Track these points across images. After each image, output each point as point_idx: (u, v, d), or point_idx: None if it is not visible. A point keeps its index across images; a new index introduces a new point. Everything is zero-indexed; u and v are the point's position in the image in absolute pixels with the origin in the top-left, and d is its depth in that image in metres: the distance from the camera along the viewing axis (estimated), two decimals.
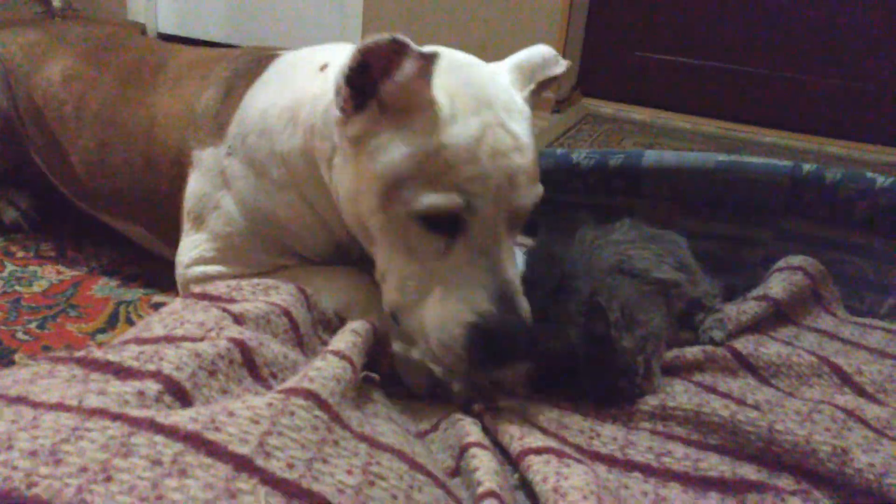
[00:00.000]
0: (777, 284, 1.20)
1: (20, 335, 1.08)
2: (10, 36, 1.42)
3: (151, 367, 0.65)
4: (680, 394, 0.96)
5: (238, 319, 0.80)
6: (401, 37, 0.79)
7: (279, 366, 0.74)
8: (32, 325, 1.10)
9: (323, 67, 0.99)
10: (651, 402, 0.93)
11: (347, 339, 0.78)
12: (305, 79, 1.00)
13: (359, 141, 0.87)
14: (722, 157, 1.27)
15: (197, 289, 0.90)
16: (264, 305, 0.85)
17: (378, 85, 0.84)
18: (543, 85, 1.00)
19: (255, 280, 0.93)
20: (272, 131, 1.00)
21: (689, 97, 3.05)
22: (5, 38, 1.41)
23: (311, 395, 0.62)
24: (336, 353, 0.73)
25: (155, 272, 1.27)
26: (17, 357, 1.02)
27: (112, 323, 1.14)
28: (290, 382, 0.65)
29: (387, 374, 0.93)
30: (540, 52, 1.00)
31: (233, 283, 0.91)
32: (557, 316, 1.00)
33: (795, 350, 1.06)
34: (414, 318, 0.87)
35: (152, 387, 0.62)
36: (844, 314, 1.24)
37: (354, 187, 0.89)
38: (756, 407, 0.95)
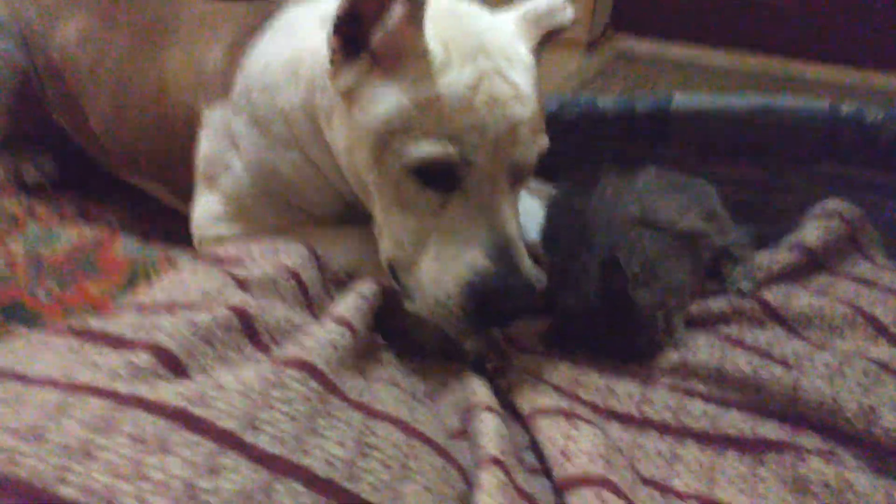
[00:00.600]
0: (811, 232, 1.14)
1: (42, 298, 1.09)
2: None
3: (145, 336, 0.64)
4: (703, 349, 0.92)
5: (243, 284, 0.79)
6: None
7: (282, 331, 0.73)
8: (53, 286, 1.11)
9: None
10: (672, 357, 0.91)
11: (350, 302, 0.77)
12: (307, 31, 0.96)
13: (351, 94, 0.84)
14: (755, 100, 1.20)
15: (209, 251, 0.90)
16: (271, 269, 0.83)
17: (368, 34, 0.81)
18: (551, 34, 0.95)
19: (266, 241, 0.92)
20: (274, 86, 0.98)
21: (728, 30, 2.92)
22: None
23: (305, 366, 0.61)
24: (336, 319, 0.71)
25: (175, 228, 1.27)
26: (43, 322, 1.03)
27: (133, 282, 1.14)
28: (286, 351, 0.64)
29: (399, 333, 0.92)
30: (547, 1, 0.95)
31: (243, 245, 0.90)
32: (576, 271, 0.97)
33: (828, 300, 1.01)
34: (411, 275, 0.85)
35: (145, 358, 0.61)
36: (884, 260, 1.18)
37: (349, 143, 0.86)
38: (783, 361, 0.91)
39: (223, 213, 1.06)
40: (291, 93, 0.96)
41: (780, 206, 1.25)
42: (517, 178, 0.86)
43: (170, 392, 0.55)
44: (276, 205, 1.04)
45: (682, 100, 1.24)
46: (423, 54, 0.80)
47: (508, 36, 0.89)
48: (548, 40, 0.96)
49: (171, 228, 1.28)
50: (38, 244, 1.23)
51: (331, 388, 0.62)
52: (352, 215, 1.04)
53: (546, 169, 1.35)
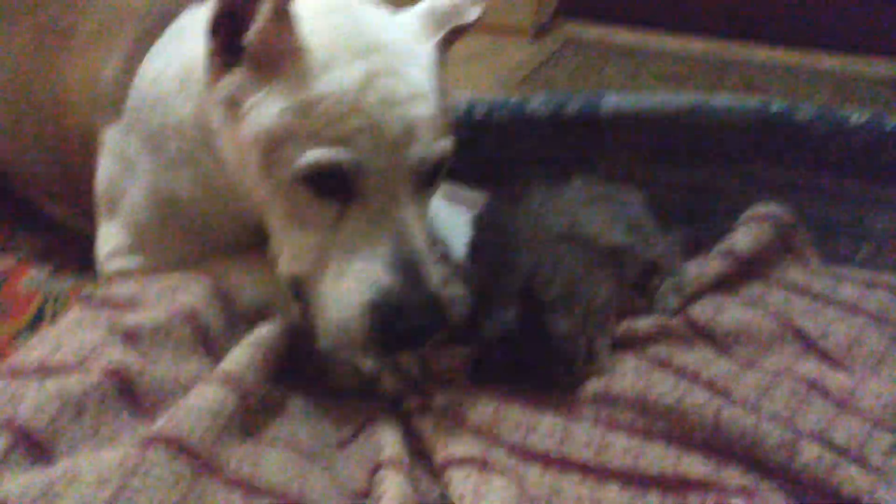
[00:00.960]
0: (742, 238, 1.11)
1: None
2: None
3: (8, 412, 0.59)
4: (627, 375, 0.89)
5: (129, 335, 0.74)
6: None
7: (167, 391, 0.68)
8: None
9: None
10: (595, 386, 0.87)
11: (240, 356, 0.72)
12: (200, 36, 0.90)
13: (233, 102, 0.79)
14: (686, 98, 1.17)
15: (101, 292, 0.84)
16: (164, 315, 0.78)
17: (244, 35, 0.76)
18: (456, 32, 0.89)
19: (165, 279, 0.87)
20: (165, 99, 0.91)
21: (676, 13, 2.89)
22: None
23: (173, 442, 0.56)
24: (220, 379, 0.67)
25: (88, 256, 1.21)
26: None
27: (37, 322, 1.08)
28: (156, 425, 0.59)
29: (314, 373, 0.88)
30: None
31: (138, 285, 0.85)
32: (497, 294, 0.93)
33: (756, 315, 0.98)
34: (312, 297, 0.80)
35: (2, 441, 0.56)
36: (818, 264, 1.16)
37: (237, 156, 0.81)
38: (710, 383, 0.88)
39: (124, 244, 1.00)
40: (182, 106, 0.90)
41: (715, 210, 1.22)
42: (421, 183, 0.80)
43: (14, 488, 0.50)
44: (179, 233, 0.98)
45: (611, 101, 1.20)
46: (300, 54, 0.75)
47: (406, 33, 0.84)
48: (454, 38, 0.90)
49: (85, 258, 1.21)
50: None
51: (204, 465, 0.57)
52: (261, 241, 0.99)
53: (478, 175, 1.33)
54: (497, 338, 0.88)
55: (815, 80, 2.46)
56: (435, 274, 0.78)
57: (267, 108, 0.76)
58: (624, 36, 2.89)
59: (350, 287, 0.75)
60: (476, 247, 1.04)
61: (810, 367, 0.92)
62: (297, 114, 0.74)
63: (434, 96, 0.80)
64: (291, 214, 0.79)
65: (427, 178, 0.81)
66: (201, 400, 0.63)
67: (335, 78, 0.75)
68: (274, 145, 0.76)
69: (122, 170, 0.98)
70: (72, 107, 1.05)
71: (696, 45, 2.78)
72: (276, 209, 0.80)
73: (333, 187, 0.76)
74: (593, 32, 2.94)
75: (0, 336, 1.04)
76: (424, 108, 0.78)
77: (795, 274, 1.13)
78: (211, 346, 0.82)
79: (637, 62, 2.60)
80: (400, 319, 0.74)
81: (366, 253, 0.76)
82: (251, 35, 0.75)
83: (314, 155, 0.74)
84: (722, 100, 1.16)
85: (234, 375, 0.68)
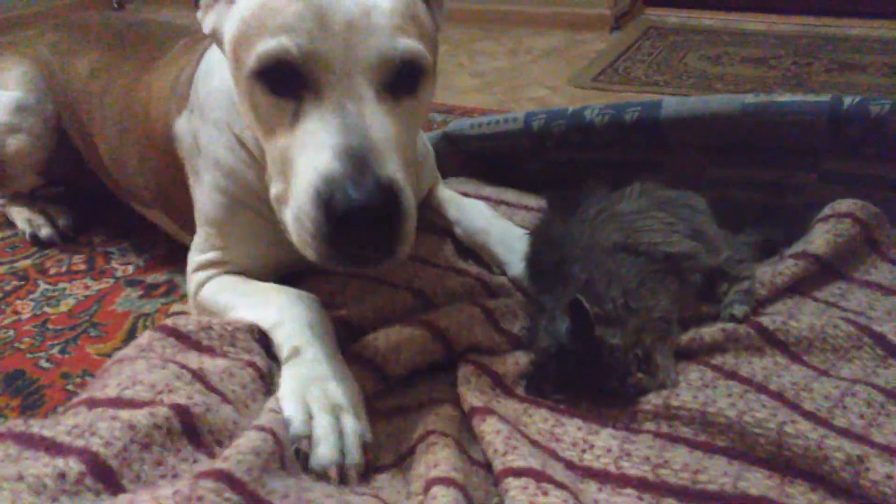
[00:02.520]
0: (820, 237, 1.06)
1: (42, 363, 1.11)
2: (35, 38, 1.48)
3: (81, 442, 0.65)
4: (687, 389, 0.87)
5: (198, 375, 0.79)
6: None
7: (227, 432, 0.73)
8: (55, 350, 1.14)
9: None
10: (654, 400, 0.86)
11: (269, 416, 0.76)
12: None
13: (217, 34, 0.84)
14: (749, 99, 1.12)
15: (170, 321, 0.90)
16: (225, 361, 0.84)
17: None
18: None
19: (226, 321, 0.92)
20: (212, 71, 1.00)
21: None
22: (32, 40, 1.48)
23: (222, 476, 0.60)
24: (259, 428, 0.70)
25: (178, 277, 1.29)
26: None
27: (129, 340, 1.15)
28: (206, 464, 0.63)
29: None
30: None
31: (204, 320, 0.90)
32: (552, 308, 0.93)
33: (832, 320, 0.94)
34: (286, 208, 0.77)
35: (75, 467, 0.62)
36: None
37: (231, 87, 0.85)
38: (779, 394, 0.86)
39: (203, 240, 1.07)
40: (219, 78, 0.97)
41: (793, 207, 1.17)
42: (389, 85, 0.77)
43: None
44: (242, 214, 1.03)
45: (671, 105, 1.17)
46: None
47: None
48: None
49: (175, 278, 1.30)
50: (45, 303, 1.27)
51: (251, 497, 0.61)
52: None
53: (541, 181, 1.33)
54: (551, 351, 0.88)
55: None
56: (390, 164, 0.73)
57: (232, 19, 0.81)
58: (707, 19, 2.79)
59: (300, 179, 0.73)
60: (532, 260, 1.04)
61: (890, 374, 0.87)
62: (251, 15, 0.77)
63: None
64: (260, 122, 0.79)
65: (394, 78, 0.77)
66: (243, 441, 0.67)
67: None
68: (237, 52, 0.79)
69: (194, 153, 1.06)
70: (155, 104, 1.16)
71: (784, 26, 2.66)
72: (252, 123, 0.82)
73: (287, 83, 0.74)
74: (675, 18, 2.85)
75: (97, 357, 1.13)
76: (381, 1, 0.76)
77: (880, 272, 1.08)
78: (270, 389, 0.87)
79: (721, 46, 2.51)
80: (340, 202, 0.69)
81: (317, 144, 0.72)
82: None
83: (261, 47, 0.74)
84: (788, 97, 1.11)
85: (266, 426, 0.72)
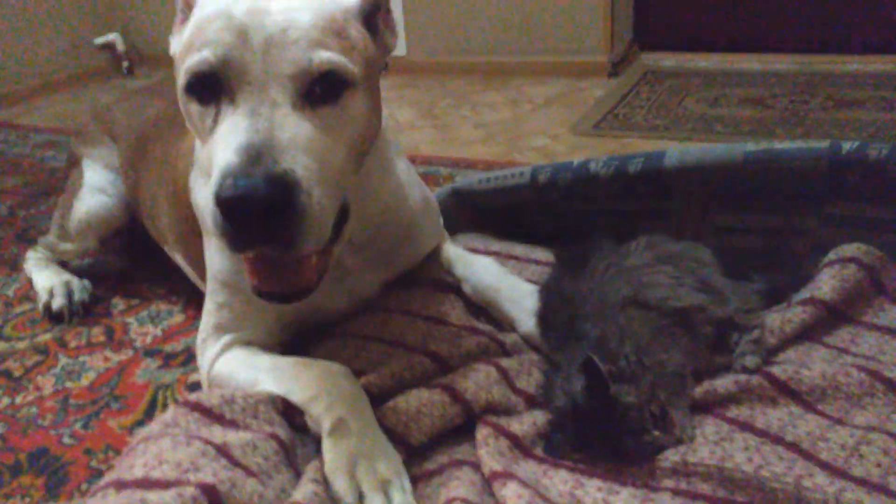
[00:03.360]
0: (826, 283, 1.08)
1: (66, 439, 1.13)
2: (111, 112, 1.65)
3: None
4: (705, 443, 0.88)
5: (222, 450, 0.80)
6: None
7: None
8: (78, 426, 1.16)
9: None
10: (672, 457, 0.87)
11: (307, 489, 0.78)
12: None
13: (175, 58, 0.90)
14: (750, 147, 1.15)
15: (193, 396, 0.92)
16: (247, 434, 0.86)
17: None
18: None
19: (249, 393, 0.94)
20: None
21: (757, 34, 2.81)
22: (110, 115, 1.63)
23: None
24: None
25: (195, 345, 1.31)
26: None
27: (150, 413, 1.18)
28: None
29: None
30: None
31: (227, 393, 0.92)
32: (565, 366, 0.95)
33: (844, 367, 0.95)
34: None
35: None
36: None
37: None
38: (795, 445, 0.86)
39: (212, 301, 1.11)
40: None
41: (796, 251, 1.19)
42: (309, 95, 0.81)
43: None
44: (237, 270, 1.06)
45: (674, 155, 1.20)
46: None
47: None
48: None
49: (191, 346, 1.32)
50: (66, 378, 1.29)
51: None
52: None
53: (548, 232, 1.35)
54: (567, 410, 0.90)
55: None
56: (287, 163, 0.75)
57: (180, 40, 0.88)
58: (703, 61, 2.84)
59: (213, 176, 0.77)
60: (543, 317, 1.06)
61: None
62: (187, 38, 0.85)
63: (313, 11, 0.83)
64: (195, 132, 0.87)
65: (311, 88, 0.81)
66: None
67: (217, 2, 0.83)
68: (177, 73, 0.85)
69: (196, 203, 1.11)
70: (178, 170, 1.22)
71: (779, 64, 2.70)
72: (194, 136, 0.90)
73: (210, 92, 0.81)
74: (671, 61, 2.90)
75: (119, 430, 1.14)
76: (300, 16, 0.81)
77: (888, 317, 1.08)
78: (293, 460, 0.89)
79: (719, 88, 2.55)
80: (229, 189, 0.73)
81: (226, 144, 0.77)
82: None
83: (188, 62, 0.81)
84: (788, 144, 1.14)
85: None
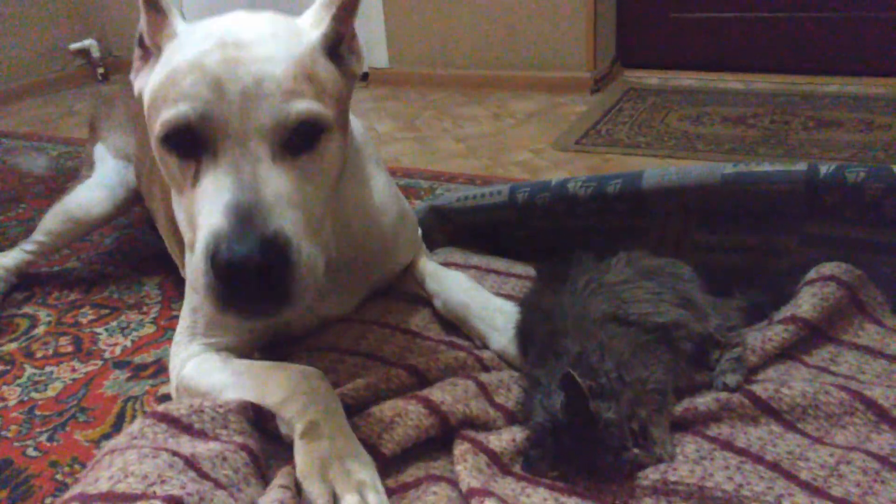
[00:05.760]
0: (807, 301, 1.07)
1: (30, 451, 1.10)
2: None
3: None
4: (685, 462, 0.87)
5: (190, 462, 0.78)
6: None
7: None
8: (43, 438, 1.12)
9: None
10: (652, 475, 0.85)
11: (273, 496, 0.76)
12: None
13: (141, 99, 0.88)
14: (728, 170, 1.14)
15: (161, 407, 0.89)
16: (217, 445, 0.83)
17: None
18: (347, 8, 0.90)
19: (218, 402, 0.91)
20: None
21: (739, 53, 2.84)
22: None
23: None
24: None
25: (166, 357, 1.28)
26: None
27: (118, 425, 1.14)
28: None
29: None
30: None
31: (196, 402, 0.89)
32: (545, 382, 0.93)
33: (824, 386, 0.94)
34: None
35: None
36: (893, 320, 1.11)
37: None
38: (775, 465, 0.85)
39: (187, 306, 1.10)
40: None
41: (775, 270, 1.19)
42: (286, 146, 0.80)
43: None
44: None
45: (652, 177, 1.19)
46: (173, 40, 0.86)
47: (278, 25, 0.87)
48: (350, 13, 0.91)
49: (162, 358, 1.29)
50: (32, 389, 1.25)
51: None
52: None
53: (527, 251, 1.34)
54: (546, 426, 0.88)
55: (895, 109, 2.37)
56: (276, 220, 0.75)
57: (148, 87, 0.86)
58: (686, 79, 2.86)
59: (199, 236, 0.76)
60: (523, 332, 1.04)
61: (884, 440, 0.87)
62: (159, 85, 0.82)
63: (288, 61, 0.81)
64: (171, 182, 0.85)
65: (290, 138, 0.80)
66: None
67: (189, 51, 0.81)
68: (150, 119, 0.84)
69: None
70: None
71: (761, 84, 2.72)
72: (169, 185, 0.88)
73: (189, 147, 0.79)
74: (654, 79, 2.92)
75: (85, 443, 1.11)
76: (272, 67, 0.79)
77: (869, 334, 1.08)
78: (264, 471, 0.87)
79: (701, 106, 2.56)
80: (224, 254, 0.72)
81: (211, 202, 0.76)
82: (141, 28, 0.89)
83: (164, 114, 0.79)
84: (767, 167, 1.13)
85: None
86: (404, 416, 0.94)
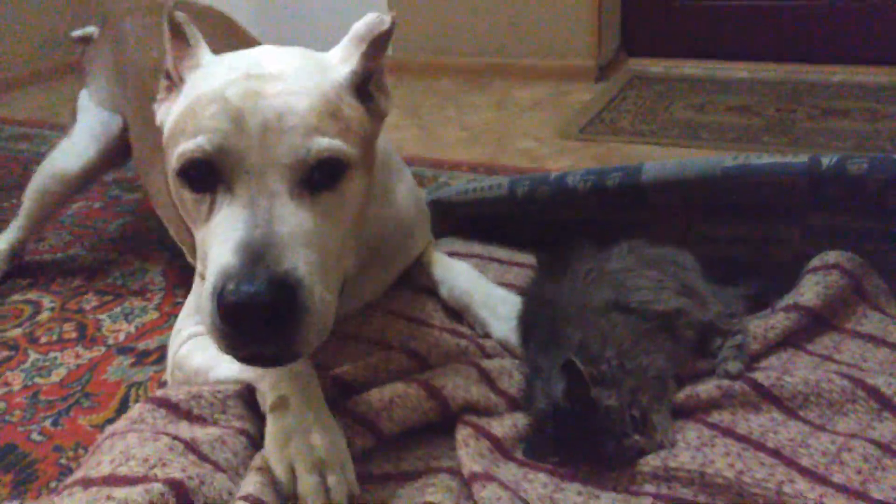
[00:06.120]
0: (810, 289, 1.07)
1: (34, 436, 1.10)
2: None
3: None
4: (688, 447, 0.87)
5: (190, 445, 0.78)
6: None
7: (222, 502, 0.73)
8: (47, 423, 1.13)
9: None
10: (652, 462, 0.85)
11: (255, 479, 0.76)
12: None
13: (162, 129, 0.88)
14: (728, 162, 1.14)
15: (160, 392, 0.90)
16: (216, 430, 0.84)
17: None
18: (377, 46, 0.89)
19: (217, 388, 0.92)
20: None
21: (744, 42, 2.82)
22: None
23: None
24: (244, 498, 0.70)
25: (168, 342, 1.29)
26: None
27: (122, 411, 1.15)
28: None
29: None
30: (364, 19, 0.91)
31: (194, 388, 0.90)
32: (547, 369, 0.93)
33: (826, 373, 0.94)
34: None
35: None
36: (895, 309, 1.11)
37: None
38: (776, 452, 0.85)
39: (194, 291, 1.09)
40: None
41: (780, 261, 1.18)
42: (306, 183, 0.78)
43: None
44: None
45: (651, 170, 1.19)
46: (197, 70, 0.86)
47: (306, 59, 0.87)
48: (380, 51, 0.91)
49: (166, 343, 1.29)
50: (36, 374, 1.26)
51: None
52: None
53: (527, 243, 1.34)
54: (547, 412, 0.88)
55: None
56: (290, 260, 0.72)
57: (169, 119, 0.86)
58: (690, 68, 2.85)
59: (209, 271, 0.74)
60: (524, 321, 1.05)
61: (885, 428, 0.87)
62: (179, 117, 0.82)
63: (310, 97, 0.80)
64: (185, 215, 0.84)
65: (310, 175, 0.78)
66: None
67: (212, 82, 0.81)
68: (168, 151, 0.83)
69: None
70: None
71: (767, 73, 2.71)
72: (183, 217, 0.86)
73: (205, 180, 0.78)
74: (658, 67, 2.90)
75: (90, 428, 1.11)
76: (295, 102, 0.78)
77: (871, 322, 1.08)
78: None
79: (705, 95, 2.55)
80: (230, 295, 0.69)
81: (223, 238, 0.74)
82: (167, 58, 0.89)
83: (182, 147, 0.78)
84: (767, 159, 1.13)
85: (254, 497, 0.73)
86: (404, 399, 0.94)
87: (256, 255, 0.70)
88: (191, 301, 1.11)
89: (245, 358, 0.75)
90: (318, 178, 0.78)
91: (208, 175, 0.77)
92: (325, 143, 0.78)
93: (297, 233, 0.74)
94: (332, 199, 0.80)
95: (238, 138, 0.75)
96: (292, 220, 0.75)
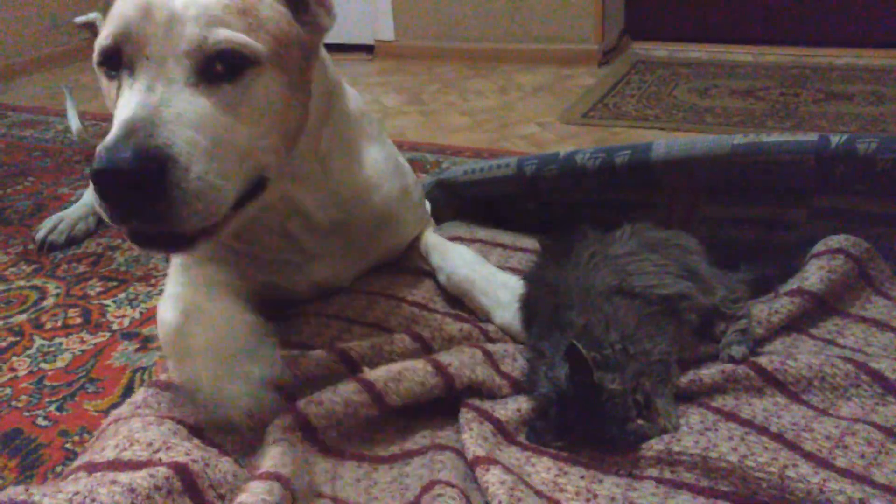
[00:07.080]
0: (814, 274, 1.07)
1: (40, 421, 1.11)
2: None
3: None
4: (690, 432, 0.87)
5: (194, 430, 0.79)
6: None
7: (227, 485, 0.73)
8: (52, 408, 1.13)
9: None
10: (656, 446, 0.86)
11: (272, 453, 0.76)
12: None
13: None
14: (737, 140, 1.13)
15: (164, 376, 0.90)
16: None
17: None
18: None
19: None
20: None
21: (748, 26, 2.80)
22: None
23: None
24: (261, 477, 0.70)
25: None
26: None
27: (126, 396, 1.15)
28: None
29: None
30: None
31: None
32: (550, 354, 0.93)
33: (830, 358, 0.94)
34: None
35: None
36: None
37: None
38: (779, 436, 0.86)
39: (173, 270, 1.10)
40: None
41: (786, 243, 1.18)
42: (197, 67, 0.80)
43: None
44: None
45: (660, 148, 1.18)
46: None
47: None
48: None
49: None
50: (41, 360, 1.26)
51: None
52: None
53: (535, 223, 1.34)
54: (551, 397, 0.88)
55: None
56: (167, 137, 0.74)
57: None
58: (694, 52, 2.83)
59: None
60: (528, 305, 1.04)
61: (889, 413, 0.87)
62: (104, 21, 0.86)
63: None
64: (108, 106, 0.86)
65: (209, 65, 0.80)
66: (248, 497, 0.67)
67: None
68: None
69: None
70: None
71: (770, 56, 2.69)
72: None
73: (115, 67, 0.82)
74: (662, 51, 2.89)
75: (95, 413, 1.12)
76: None
77: (876, 307, 1.08)
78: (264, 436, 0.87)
79: (709, 79, 2.54)
80: (96, 163, 0.72)
81: (116, 120, 0.77)
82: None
83: (98, 39, 0.83)
84: (776, 137, 1.12)
85: (270, 472, 0.72)
86: (412, 372, 0.95)
87: (131, 130, 0.73)
88: (175, 263, 1.11)
89: (131, 236, 0.78)
90: (220, 71, 0.81)
91: (117, 61, 0.81)
92: (225, 34, 0.80)
93: (185, 115, 0.77)
94: (233, 91, 0.82)
95: (142, 26, 0.79)
96: (183, 103, 0.77)
